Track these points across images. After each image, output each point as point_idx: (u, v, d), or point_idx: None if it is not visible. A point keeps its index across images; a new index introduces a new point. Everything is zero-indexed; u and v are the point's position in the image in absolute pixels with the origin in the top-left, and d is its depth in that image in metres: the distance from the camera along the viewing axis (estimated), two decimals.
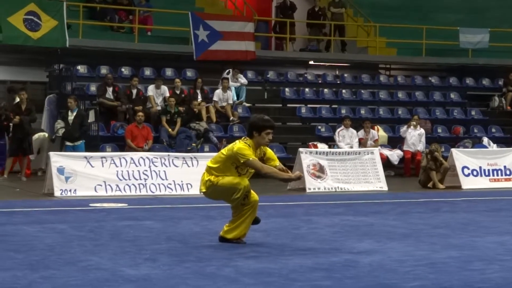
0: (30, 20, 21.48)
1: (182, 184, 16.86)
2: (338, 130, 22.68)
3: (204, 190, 9.78)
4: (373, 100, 26.77)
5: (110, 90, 21.96)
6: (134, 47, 24.40)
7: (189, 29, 23.89)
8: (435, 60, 29.10)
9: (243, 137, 9.81)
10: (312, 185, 17.96)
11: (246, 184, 9.53)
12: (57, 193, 15.89)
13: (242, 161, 9.45)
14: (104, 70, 23.63)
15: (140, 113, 20.69)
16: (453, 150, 20.29)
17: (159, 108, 22.19)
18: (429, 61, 29.10)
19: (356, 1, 30.01)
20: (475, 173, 19.66)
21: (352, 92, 26.81)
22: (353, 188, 18.26)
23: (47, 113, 22.12)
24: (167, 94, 22.44)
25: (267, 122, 9.64)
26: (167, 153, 17.77)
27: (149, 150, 19.72)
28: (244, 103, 24.36)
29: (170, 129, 21.38)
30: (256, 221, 9.87)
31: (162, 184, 16.78)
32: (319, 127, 24.14)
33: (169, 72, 24.71)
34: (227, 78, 23.77)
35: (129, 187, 16.51)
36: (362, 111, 25.57)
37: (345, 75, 27.72)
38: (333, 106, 25.96)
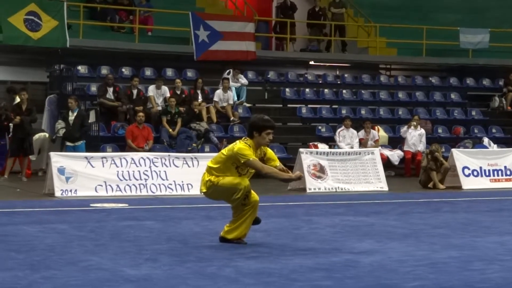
0: (30, 20, 21.48)
1: (183, 184, 16.86)
2: (338, 130, 22.68)
3: (204, 190, 9.78)
4: (373, 100, 26.77)
5: (110, 90, 21.97)
6: (134, 47, 24.39)
7: (190, 29, 23.88)
8: (436, 60, 29.10)
9: (243, 137, 9.82)
10: (313, 185, 17.96)
11: (247, 184, 9.54)
12: (57, 193, 15.90)
13: (242, 161, 9.45)
14: (104, 70, 23.63)
15: (141, 114, 20.70)
16: (454, 150, 20.29)
17: (159, 108, 22.19)
18: (430, 61, 29.10)
19: (356, 1, 30.00)
20: (475, 173, 19.66)
21: (353, 92, 26.82)
22: (354, 188, 18.26)
23: (47, 113, 22.12)
24: (168, 95, 22.45)
25: (267, 122, 9.65)
26: (167, 153, 17.76)
27: (150, 150, 19.73)
28: (245, 104, 24.36)
29: (170, 130, 21.39)
30: (256, 221, 9.87)
31: (162, 184, 16.79)
32: (320, 127, 24.14)
33: (169, 72, 24.71)
34: (228, 78, 23.77)
35: (130, 187, 16.51)
36: (363, 111, 25.57)
37: (346, 75, 27.72)
38: (334, 106, 25.96)
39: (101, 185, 16.29)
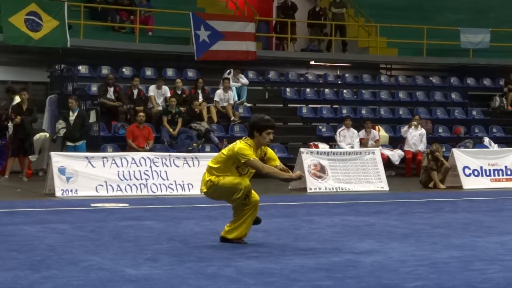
0: (31, 21, 21.49)
1: (183, 184, 16.86)
2: (339, 130, 22.68)
3: (205, 190, 9.78)
4: (374, 100, 26.78)
5: (111, 90, 21.97)
6: (135, 47, 24.39)
7: (190, 29, 23.88)
8: (436, 60, 29.10)
9: (243, 137, 9.82)
10: (313, 185, 17.96)
11: (247, 184, 9.54)
12: (58, 193, 15.90)
13: (242, 161, 9.45)
14: (105, 70, 23.63)
15: (141, 113, 20.70)
16: (454, 150, 20.29)
17: (160, 108, 22.20)
18: (430, 61, 29.10)
19: (357, 1, 30.00)
20: (476, 173, 19.66)
21: (353, 92, 26.82)
22: (354, 188, 18.26)
23: (48, 113, 22.12)
24: (168, 94, 22.45)
25: (267, 122, 9.65)
26: (168, 153, 17.76)
27: (150, 150, 19.73)
28: (245, 103, 24.36)
29: (171, 129, 21.39)
30: (257, 221, 9.87)
31: (163, 184, 16.79)
32: (320, 127, 24.15)
33: (170, 72, 24.72)
34: (228, 78, 23.77)
35: (130, 187, 16.51)
36: (363, 111, 25.57)
37: (346, 75, 27.73)
38: (334, 106, 25.97)
39: (102, 185, 16.30)
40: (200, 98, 22.81)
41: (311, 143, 22.66)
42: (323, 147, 21.98)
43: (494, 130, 26.23)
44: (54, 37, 21.79)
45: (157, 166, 16.85)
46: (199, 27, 23.90)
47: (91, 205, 14.45)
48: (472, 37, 28.25)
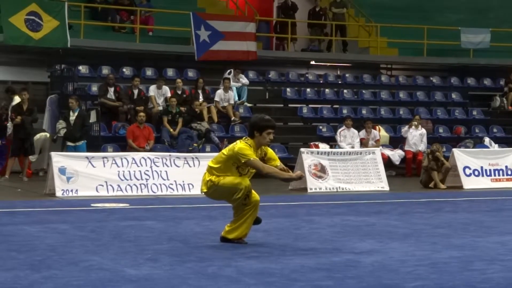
0: (31, 21, 21.48)
1: (184, 184, 16.86)
2: (339, 130, 22.68)
3: (205, 190, 9.78)
4: (374, 100, 26.77)
5: (111, 90, 21.97)
6: (135, 47, 24.39)
7: (191, 29, 23.87)
8: (437, 60, 29.10)
9: (244, 137, 9.82)
10: (314, 185, 17.96)
11: (247, 184, 9.54)
12: (58, 193, 15.90)
13: (243, 161, 9.45)
14: (105, 70, 23.63)
15: (142, 113, 20.70)
16: (455, 150, 20.29)
17: (160, 108, 22.19)
18: (431, 61, 29.10)
19: (357, 1, 29.99)
20: (476, 173, 19.66)
21: (354, 92, 26.82)
22: (355, 188, 18.26)
23: (48, 113, 22.12)
24: (169, 94, 22.46)
25: (268, 122, 9.65)
26: (168, 153, 17.76)
27: (151, 150, 19.72)
28: (246, 103, 24.36)
29: (171, 129, 21.39)
30: (257, 221, 9.87)
31: (163, 184, 16.79)
32: (321, 127, 24.15)
33: (170, 72, 24.72)
34: (229, 78, 23.77)
35: (131, 187, 16.51)
36: (364, 111, 25.57)
37: (347, 75, 27.72)
38: (335, 106, 25.97)
39: (102, 185, 16.29)
40: (201, 98, 22.81)
41: (311, 143, 22.65)
42: (324, 147, 21.98)
43: (495, 130, 26.23)
44: (55, 37, 21.79)
45: (158, 166, 16.86)
46: (200, 27, 23.90)
47: (92, 205, 14.45)
48: (472, 37, 28.25)
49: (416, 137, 23.08)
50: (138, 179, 16.61)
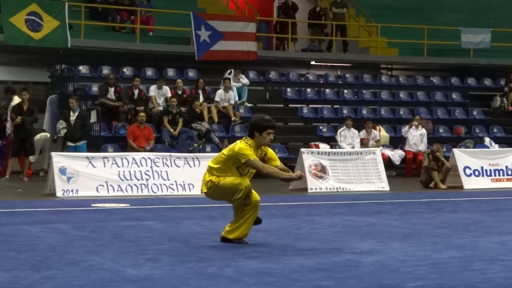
0: (32, 21, 21.48)
1: (184, 184, 16.86)
2: (339, 130, 22.68)
3: (205, 191, 9.78)
4: (374, 100, 26.78)
5: (112, 90, 21.97)
6: (135, 48, 24.39)
7: (191, 29, 23.87)
8: (437, 60, 29.10)
9: (244, 137, 9.82)
10: (314, 185, 17.96)
11: (247, 185, 9.54)
12: (59, 193, 15.90)
13: (243, 161, 9.46)
14: (106, 70, 23.63)
15: (142, 114, 20.70)
16: (455, 150, 20.30)
17: (161, 108, 22.19)
18: (431, 61, 29.10)
19: (357, 1, 30.00)
20: (476, 173, 19.66)
21: (354, 92, 26.82)
22: (355, 188, 18.26)
23: (49, 113, 22.11)
24: (169, 95, 22.46)
25: (268, 122, 9.65)
26: (168, 154, 17.76)
27: (151, 150, 19.72)
28: (246, 103, 24.36)
29: (172, 130, 21.39)
30: (257, 221, 9.87)
31: (164, 184, 16.79)
32: (321, 127, 24.14)
33: (171, 72, 24.72)
34: (229, 78, 23.77)
35: (131, 187, 16.51)
36: (364, 111, 25.57)
37: (347, 75, 27.73)
38: (335, 106, 25.97)
39: (103, 185, 16.30)
40: (201, 98, 22.81)
41: (311, 143, 22.65)
42: (324, 147, 21.97)
43: (495, 130, 26.23)
44: (55, 37, 21.79)
45: (158, 166, 16.86)
46: (200, 27, 23.90)
47: (92, 205, 14.45)
48: (472, 37, 28.25)
49: (416, 137, 23.08)
50: (138, 179, 16.61)
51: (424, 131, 23.26)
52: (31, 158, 19.83)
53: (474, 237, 10.80)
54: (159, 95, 22.56)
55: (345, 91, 26.66)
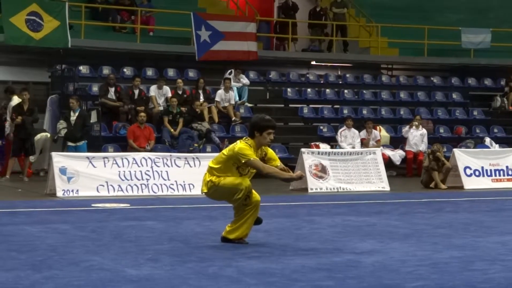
0: (32, 21, 21.48)
1: (184, 184, 16.86)
2: (340, 130, 22.68)
3: (205, 191, 9.78)
4: (375, 100, 26.78)
5: (112, 90, 21.97)
6: (136, 48, 24.40)
7: (191, 29, 23.88)
8: (437, 60, 29.11)
9: (244, 137, 9.82)
10: (314, 185, 17.96)
11: (248, 185, 9.53)
12: (59, 193, 15.90)
13: (243, 161, 9.45)
14: (106, 70, 23.64)
15: (142, 114, 20.70)
16: (455, 150, 20.29)
17: (161, 108, 22.19)
18: (431, 61, 29.11)
19: (358, 2, 30.00)
20: (477, 173, 19.66)
21: (354, 92, 26.82)
22: (355, 188, 18.26)
23: (49, 113, 22.11)
24: (169, 95, 22.46)
25: (268, 122, 9.64)
26: (169, 154, 17.76)
27: (151, 150, 19.72)
28: (246, 104, 24.37)
29: (172, 130, 21.39)
30: (258, 221, 9.87)
31: (164, 184, 16.79)
32: (321, 127, 24.14)
33: (171, 72, 24.72)
34: (229, 79, 23.77)
35: (131, 187, 16.51)
36: (364, 111, 25.57)
37: (347, 75, 27.73)
38: (335, 106, 25.97)
39: (103, 185, 16.30)
40: (201, 98, 22.81)
41: (312, 143, 22.65)
42: (324, 147, 21.97)
43: (495, 130, 26.23)
44: (55, 37, 21.79)
45: (158, 166, 16.86)
46: (200, 27, 23.90)
47: (92, 205, 14.45)
48: (473, 37, 28.25)
49: (416, 137, 23.07)
50: (138, 179, 16.61)
51: (424, 131, 23.26)
52: (31, 158, 19.83)
53: (474, 237, 10.79)
54: (160, 95, 22.56)
55: (346, 91, 26.67)
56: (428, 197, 17.25)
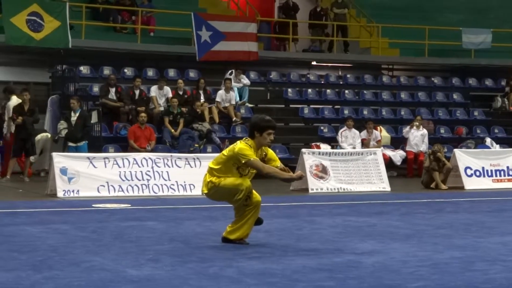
0: (33, 21, 21.49)
1: (185, 184, 16.86)
2: (340, 130, 22.67)
3: (206, 191, 9.78)
4: (375, 100, 26.78)
5: (113, 90, 21.98)
6: (136, 48, 24.40)
7: (192, 29, 23.89)
8: (438, 60, 29.11)
9: (244, 138, 9.81)
10: (315, 185, 17.96)
11: (248, 185, 9.53)
12: (60, 193, 15.90)
13: (243, 162, 9.45)
14: (107, 70, 23.65)
15: (143, 114, 20.70)
16: (456, 150, 20.29)
17: (162, 108, 22.20)
18: (432, 62, 29.11)
19: (358, 2, 30.01)
20: (477, 173, 19.65)
21: (355, 93, 26.82)
22: (356, 188, 18.25)
23: (50, 113, 22.12)
24: (170, 95, 22.46)
25: (268, 123, 9.64)
26: (169, 154, 17.76)
27: (152, 150, 19.72)
28: (247, 104, 24.37)
29: (173, 130, 21.39)
30: (258, 221, 9.87)
31: (164, 184, 16.79)
32: (322, 128, 24.14)
33: (171, 72, 24.72)
34: (230, 79, 23.78)
35: (132, 187, 16.51)
36: (365, 112, 25.57)
37: (348, 75, 27.73)
38: (336, 106, 25.97)
39: (103, 186, 16.30)
40: (202, 99, 22.81)
41: (312, 144, 22.64)
42: (325, 147, 21.96)
43: (496, 130, 26.23)
44: (56, 37, 21.79)
45: (159, 167, 16.86)
46: (201, 28, 23.90)
47: (93, 205, 14.45)
48: (473, 38, 28.25)
49: (417, 137, 23.07)
50: (139, 180, 16.61)
51: (425, 131, 23.26)
52: (32, 159, 19.84)
53: (475, 237, 10.79)
54: (160, 95, 22.56)
55: (346, 91, 26.67)
56: (428, 197, 17.25)
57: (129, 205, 14.61)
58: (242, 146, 9.49)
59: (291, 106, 25.67)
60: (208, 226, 11.58)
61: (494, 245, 9.99)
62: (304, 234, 11.02)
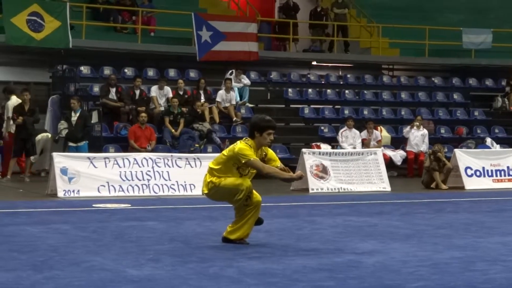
0: (33, 21, 21.49)
1: (185, 184, 16.86)
2: (341, 130, 22.68)
3: (206, 192, 9.78)
4: (376, 100, 26.78)
5: (113, 90, 21.98)
6: (137, 48, 24.40)
7: (192, 29, 23.90)
8: (438, 60, 29.10)
9: (244, 138, 9.82)
10: (315, 185, 17.96)
11: (248, 185, 9.54)
12: (60, 193, 15.91)
13: (243, 162, 9.45)
14: (107, 70, 23.65)
15: (143, 114, 20.71)
16: (456, 150, 20.29)
17: (162, 108, 22.20)
18: (432, 62, 29.11)
19: (359, 2, 30.01)
20: (478, 173, 19.65)
21: (355, 93, 26.82)
22: (356, 188, 18.25)
23: (50, 113, 22.11)
24: (170, 95, 22.46)
25: (268, 123, 9.64)
26: (170, 154, 17.76)
27: (152, 150, 19.72)
28: (247, 104, 24.37)
29: (173, 130, 21.40)
30: (259, 221, 9.87)
31: (165, 184, 16.79)
32: (322, 128, 24.14)
33: (172, 72, 24.72)
34: (230, 79, 23.78)
35: (132, 187, 16.52)
36: (365, 112, 25.57)
37: (348, 75, 27.73)
38: (336, 106, 25.97)
39: (104, 186, 16.30)
40: (202, 99, 22.81)
41: (313, 144, 22.64)
42: (325, 147, 21.96)
43: (496, 130, 26.23)
44: (56, 37, 21.80)
45: (159, 167, 16.86)
46: (201, 28, 23.90)
47: (93, 205, 14.45)
48: (474, 38, 28.25)
49: (417, 137, 23.07)
50: (139, 180, 16.61)
51: (425, 131, 23.26)
52: (32, 159, 19.84)
53: (475, 237, 10.79)
54: (161, 95, 22.56)
55: (347, 91, 26.67)
56: (429, 197, 17.25)
57: (130, 205, 14.62)
58: (242, 146, 9.50)
59: (291, 106, 25.67)
60: (208, 226, 11.59)
61: (494, 245, 9.99)
62: (304, 234, 11.02)
